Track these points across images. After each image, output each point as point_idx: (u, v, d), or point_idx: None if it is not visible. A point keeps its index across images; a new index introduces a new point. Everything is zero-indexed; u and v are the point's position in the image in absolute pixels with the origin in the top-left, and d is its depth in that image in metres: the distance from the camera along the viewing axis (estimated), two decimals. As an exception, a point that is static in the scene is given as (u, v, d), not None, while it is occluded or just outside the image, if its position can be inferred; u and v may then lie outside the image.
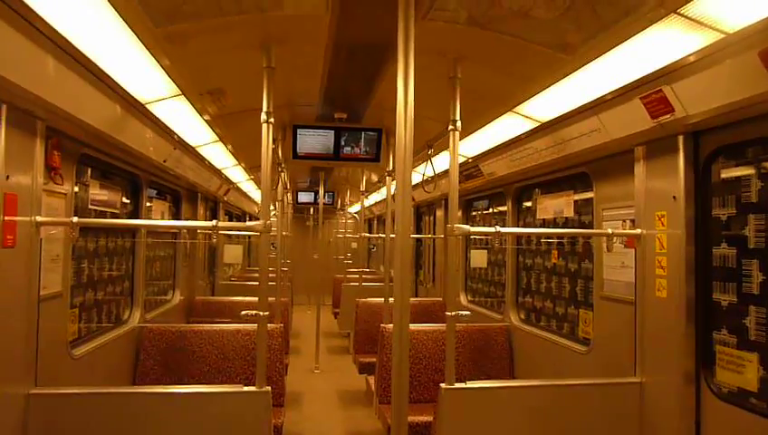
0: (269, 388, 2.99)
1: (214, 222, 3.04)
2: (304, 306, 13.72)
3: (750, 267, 2.64)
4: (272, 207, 9.05)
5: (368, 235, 10.32)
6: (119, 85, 2.94)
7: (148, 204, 5.11)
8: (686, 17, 2.14)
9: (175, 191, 6.13)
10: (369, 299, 6.84)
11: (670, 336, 2.94)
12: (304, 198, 11.84)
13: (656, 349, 3.07)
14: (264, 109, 3.06)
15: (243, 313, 3.19)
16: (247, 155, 6.03)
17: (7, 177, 2.42)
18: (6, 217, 2.43)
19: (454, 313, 3.05)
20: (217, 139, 4.92)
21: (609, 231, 3.31)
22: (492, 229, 3.15)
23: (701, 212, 2.90)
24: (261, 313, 3.06)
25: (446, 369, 3.05)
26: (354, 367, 6.55)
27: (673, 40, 2.31)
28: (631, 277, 3.33)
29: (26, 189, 2.63)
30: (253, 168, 6.89)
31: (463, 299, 6.79)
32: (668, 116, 2.70)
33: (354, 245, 11.64)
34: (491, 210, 6.35)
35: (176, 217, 6.28)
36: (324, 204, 9.14)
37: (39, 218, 2.72)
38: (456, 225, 3.05)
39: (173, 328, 4.51)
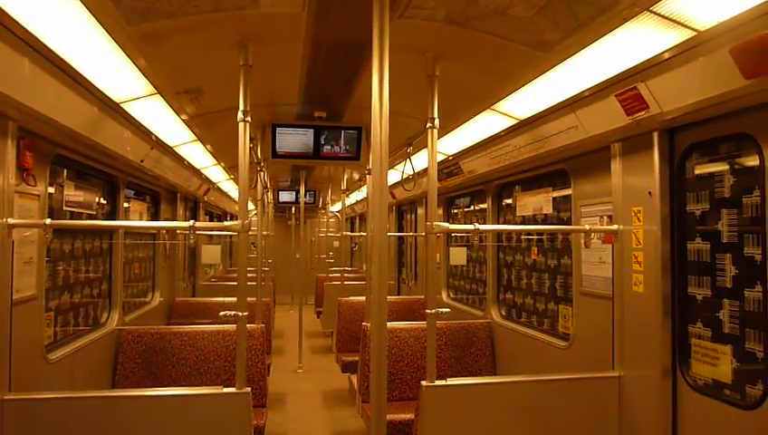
0: (249, 389, 2.97)
1: (191, 222, 3.01)
2: (287, 306, 13.66)
3: (723, 261, 2.69)
4: (252, 207, 8.99)
5: (349, 233, 10.30)
6: (93, 85, 2.89)
7: (125, 204, 5.04)
8: (660, 15, 2.16)
9: (154, 191, 6.06)
10: (351, 298, 6.83)
11: (647, 330, 2.98)
12: (286, 197, 11.77)
13: (634, 343, 3.10)
14: (241, 108, 3.04)
15: (221, 313, 3.16)
16: (227, 154, 5.98)
17: None
18: None
19: (434, 310, 3.06)
20: (196, 138, 4.87)
21: (587, 227, 3.34)
22: (471, 226, 3.17)
23: (676, 208, 2.94)
24: (240, 313, 3.04)
25: (427, 366, 3.06)
26: (337, 366, 6.54)
27: (647, 37, 2.34)
28: (609, 273, 3.37)
29: None
30: (232, 167, 6.84)
31: (445, 296, 6.81)
32: (643, 113, 2.73)
33: (336, 244, 11.62)
34: (472, 208, 6.38)
35: (155, 217, 6.21)
36: (306, 203, 9.09)
37: (11, 220, 2.67)
38: (435, 223, 3.06)
39: (152, 330, 4.46)
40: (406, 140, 3.96)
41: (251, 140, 3.84)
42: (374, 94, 2.07)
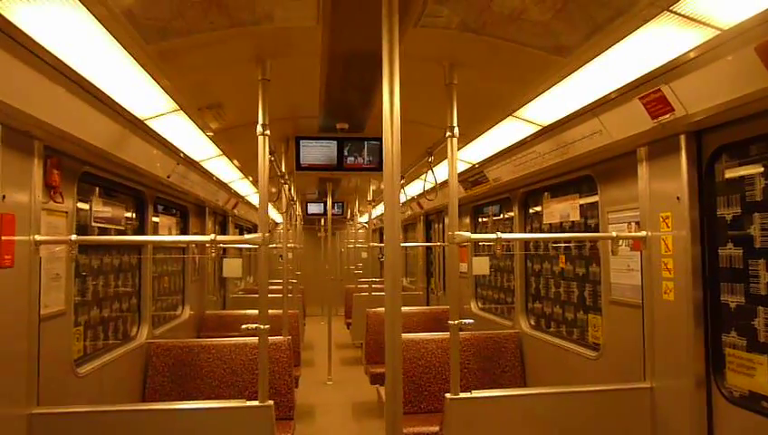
0: (271, 402, 2.97)
1: (212, 236, 3.04)
2: (318, 317, 13.70)
3: (757, 267, 2.58)
4: (280, 220, 9.07)
5: (376, 244, 10.29)
6: (116, 103, 2.95)
7: (154, 219, 5.13)
8: (680, 14, 2.10)
9: (182, 206, 6.15)
10: (378, 309, 6.79)
11: (679, 340, 2.88)
12: (314, 209, 11.85)
13: (665, 353, 3.00)
14: (260, 121, 3.06)
15: (243, 326, 3.17)
16: (253, 169, 6.04)
17: (3, 197, 2.43)
18: (3, 237, 2.44)
19: (456, 321, 3.01)
20: (221, 153, 4.94)
21: (614, 234, 3.26)
22: (493, 236, 3.12)
23: (706, 212, 2.84)
24: (261, 326, 3.04)
25: (452, 378, 3.01)
26: (367, 378, 6.51)
27: (668, 38, 2.28)
28: (638, 281, 3.27)
29: (24, 209, 2.64)
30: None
31: (473, 307, 6.73)
32: (668, 116, 2.65)
33: (364, 254, 11.63)
34: (501, 216, 6.31)
35: (184, 232, 6.30)
36: (334, 214, 9.12)
37: (38, 237, 2.73)
38: (457, 232, 3.02)
39: (181, 343, 4.51)
40: (426, 150, 3.93)
41: (273, 153, 3.86)
42: (385, 105, 2.05)
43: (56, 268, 3.08)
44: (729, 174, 2.77)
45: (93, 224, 3.89)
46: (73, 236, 2.87)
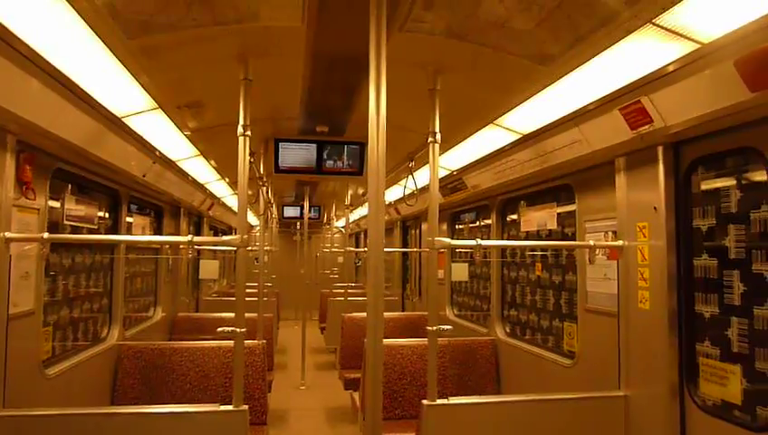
0: (246, 407, 2.92)
1: (189, 237, 2.98)
2: (292, 321, 13.58)
3: (731, 278, 2.63)
4: (256, 222, 8.98)
5: (353, 249, 10.25)
6: (93, 99, 2.89)
7: (128, 219, 5.03)
8: (662, 27, 2.13)
9: (157, 206, 6.05)
10: (354, 314, 6.76)
11: (654, 349, 2.91)
12: (290, 212, 11.75)
13: (640, 362, 3.03)
14: (241, 122, 3.02)
15: (219, 329, 3.12)
16: (230, 169, 5.97)
17: None
18: None
19: (435, 327, 3.00)
20: (199, 153, 4.87)
21: (591, 243, 3.29)
22: (473, 242, 3.12)
23: (682, 223, 2.89)
24: (237, 329, 2.99)
25: (428, 385, 3.00)
26: (341, 383, 6.46)
27: (649, 50, 2.31)
28: (614, 289, 3.31)
29: None
30: (236, 182, 6.83)
31: (449, 313, 6.74)
32: (647, 127, 2.69)
33: (341, 259, 11.58)
34: (478, 223, 6.33)
35: (158, 232, 6.19)
36: (310, 218, 9.06)
37: (8, 235, 2.65)
38: (436, 238, 3.01)
39: (152, 346, 4.42)
40: (408, 155, 3.93)
41: (253, 154, 3.82)
42: (371, 109, 2.04)
43: (26, 266, 2.98)
44: (705, 186, 2.82)
45: (66, 222, 3.79)
46: (45, 235, 2.79)
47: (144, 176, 4.34)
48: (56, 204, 3.64)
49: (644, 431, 2.98)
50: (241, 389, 2.96)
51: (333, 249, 11.84)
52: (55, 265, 3.66)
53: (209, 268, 4.41)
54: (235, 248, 3.05)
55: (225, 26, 2.58)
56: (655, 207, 2.93)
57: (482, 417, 3.05)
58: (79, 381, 3.67)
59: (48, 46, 2.29)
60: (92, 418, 2.82)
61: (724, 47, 2.11)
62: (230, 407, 2.91)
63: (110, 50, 2.47)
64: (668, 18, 2.07)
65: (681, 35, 2.15)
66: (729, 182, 2.68)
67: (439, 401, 2.97)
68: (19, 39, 2.12)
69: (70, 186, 3.86)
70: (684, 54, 2.24)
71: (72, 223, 3.88)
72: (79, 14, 2.12)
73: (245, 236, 2.97)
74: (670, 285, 2.86)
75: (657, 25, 2.12)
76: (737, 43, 2.06)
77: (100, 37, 2.33)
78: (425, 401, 2.96)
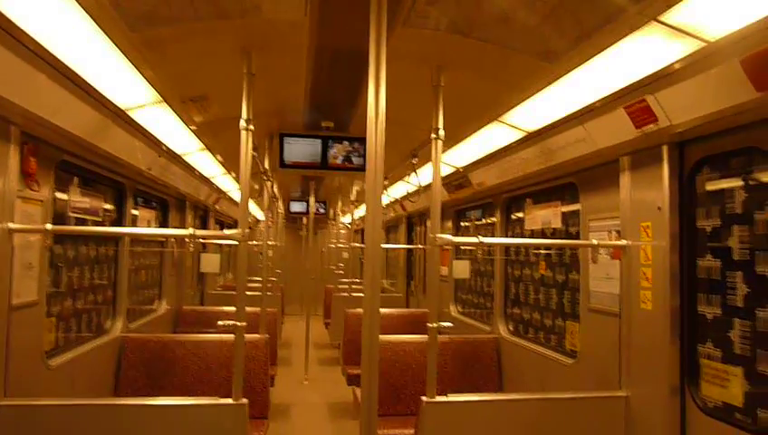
0: (245, 400, 2.92)
1: (191, 230, 2.99)
2: (296, 316, 13.61)
3: (734, 279, 2.60)
4: (262, 217, 8.99)
5: (358, 245, 10.25)
6: (97, 91, 2.89)
7: (133, 211, 5.04)
8: (667, 25, 2.11)
9: (162, 199, 6.07)
10: (358, 309, 6.75)
11: (655, 349, 2.90)
12: (297, 207, 11.75)
13: (641, 362, 3.02)
14: (244, 116, 3.02)
15: (220, 323, 3.13)
16: (236, 164, 5.96)
17: None
18: None
19: (435, 324, 3.00)
20: (204, 147, 4.87)
21: (594, 242, 3.27)
22: (475, 239, 3.11)
23: (686, 223, 2.87)
24: (237, 323, 3.00)
25: (428, 381, 2.99)
26: (344, 378, 6.47)
27: (655, 48, 2.29)
28: (617, 289, 3.29)
29: None
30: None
31: (453, 310, 6.73)
32: (652, 125, 2.67)
33: (346, 255, 11.59)
34: (483, 221, 6.31)
35: (163, 225, 6.21)
36: (316, 214, 9.06)
37: (11, 225, 2.66)
38: (438, 235, 3.00)
39: (156, 338, 4.44)
40: (411, 152, 3.92)
41: (256, 149, 3.82)
42: (369, 105, 2.03)
43: (29, 257, 3.00)
44: (710, 186, 2.79)
45: (70, 214, 3.81)
46: (49, 226, 2.80)
47: (149, 169, 4.35)
48: (62, 195, 3.66)
49: (644, 432, 2.97)
50: (240, 382, 2.97)
51: (339, 245, 11.86)
52: (60, 257, 3.67)
53: (210, 262, 4.42)
54: (235, 242, 3.05)
55: (228, 20, 2.58)
56: (659, 207, 2.91)
57: (481, 414, 3.05)
58: (82, 372, 3.69)
59: (51, 38, 2.29)
60: (92, 408, 2.84)
61: (730, 46, 2.09)
62: (230, 400, 2.92)
63: (114, 42, 2.48)
64: (674, 15, 2.05)
65: (687, 33, 2.12)
66: (734, 183, 2.66)
67: (439, 398, 2.96)
68: (23, 31, 2.13)
69: (75, 178, 3.88)
70: (689, 53, 2.22)
71: (76, 215, 3.90)
72: (82, 6, 2.12)
73: (247, 231, 2.98)
74: (673, 285, 2.84)
75: (663, 23, 2.10)
76: (743, 41, 2.03)
77: (102, 29, 2.33)
78: (424, 398, 2.95)
